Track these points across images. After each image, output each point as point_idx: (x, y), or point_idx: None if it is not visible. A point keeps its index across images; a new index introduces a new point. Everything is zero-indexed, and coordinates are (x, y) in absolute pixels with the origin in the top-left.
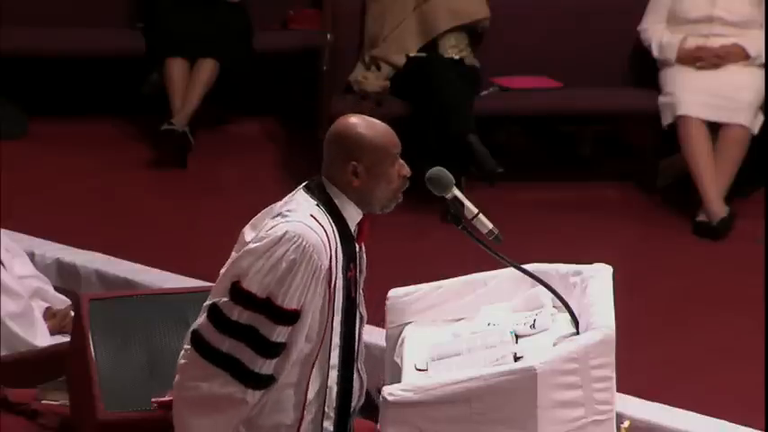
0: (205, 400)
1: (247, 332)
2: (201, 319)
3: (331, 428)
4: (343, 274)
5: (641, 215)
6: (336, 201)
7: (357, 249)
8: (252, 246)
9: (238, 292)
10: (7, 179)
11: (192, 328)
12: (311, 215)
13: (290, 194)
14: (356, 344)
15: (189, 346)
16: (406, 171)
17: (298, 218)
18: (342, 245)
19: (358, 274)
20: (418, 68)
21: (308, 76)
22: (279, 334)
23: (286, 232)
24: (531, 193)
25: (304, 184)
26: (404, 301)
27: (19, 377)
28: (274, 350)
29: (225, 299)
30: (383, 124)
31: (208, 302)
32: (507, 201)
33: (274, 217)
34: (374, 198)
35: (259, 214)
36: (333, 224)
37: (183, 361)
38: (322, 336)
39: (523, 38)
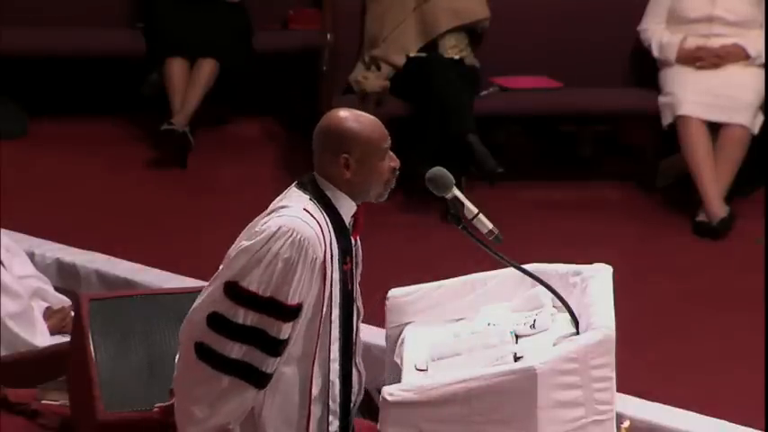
0: (214, 399)
1: (256, 334)
2: (200, 327)
3: (337, 423)
4: (339, 267)
5: (641, 215)
6: (329, 194)
7: (353, 243)
8: (246, 244)
9: (238, 294)
10: (7, 179)
11: (194, 341)
12: (304, 209)
13: (284, 193)
14: (354, 337)
15: (194, 357)
16: (396, 163)
17: (291, 213)
18: (337, 238)
19: (354, 267)
20: (418, 68)
21: (308, 76)
22: (285, 331)
23: (280, 227)
24: (531, 193)
25: (297, 181)
26: (404, 301)
27: (19, 377)
28: (282, 348)
29: (226, 303)
30: (372, 117)
31: (204, 307)
32: (507, 201)
33: (268, 214)
34: (367, 189)
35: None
36: (327, 218)
37: (184, 367)
38: (318, 330)
39: (523, 38)
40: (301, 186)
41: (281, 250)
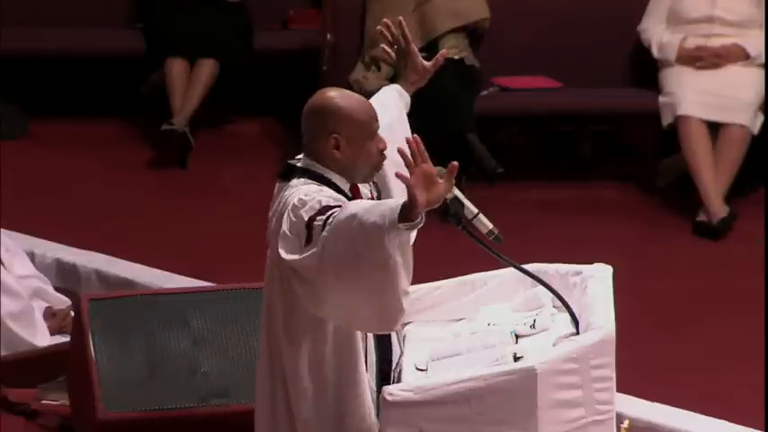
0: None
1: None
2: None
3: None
4: None
5: (641, 215)
6: (322, 173)
7: None
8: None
9: (309, 221)
10: (7, 179)
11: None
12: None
13: (276, 193)
14: None
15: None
16: (384, 145)
17: (300, 187)
18: None
19: None
20: None
21: (308, 76)
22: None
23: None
24: (531, 193)
25: (280, 176)
26: None
27: (19, 377)
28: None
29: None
30: (361, 98)
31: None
32: (507, 201)
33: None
34: (356, 170)
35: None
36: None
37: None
38: None
39: (523, 38)
40: (291, 178)
41: (310, 190)
